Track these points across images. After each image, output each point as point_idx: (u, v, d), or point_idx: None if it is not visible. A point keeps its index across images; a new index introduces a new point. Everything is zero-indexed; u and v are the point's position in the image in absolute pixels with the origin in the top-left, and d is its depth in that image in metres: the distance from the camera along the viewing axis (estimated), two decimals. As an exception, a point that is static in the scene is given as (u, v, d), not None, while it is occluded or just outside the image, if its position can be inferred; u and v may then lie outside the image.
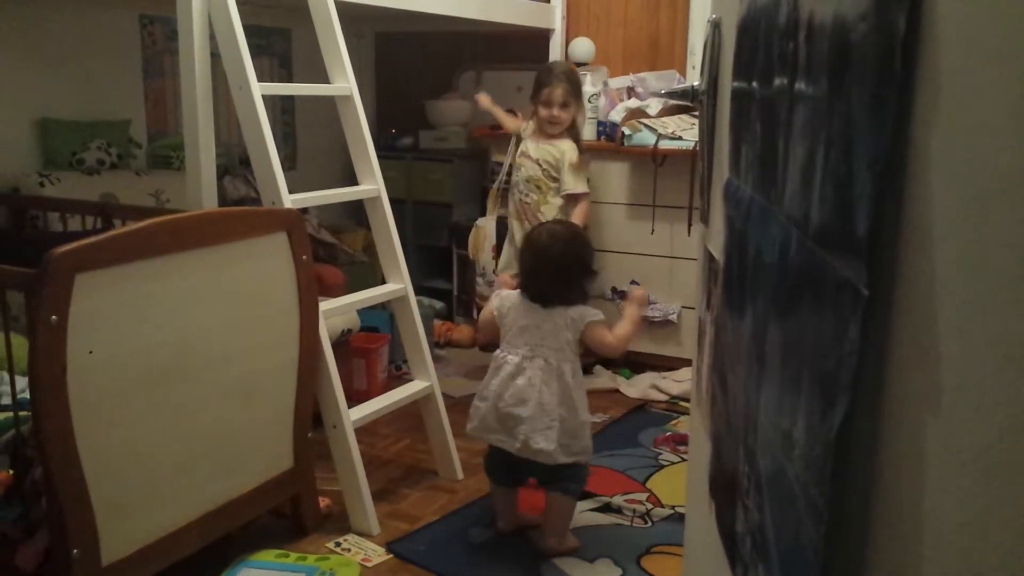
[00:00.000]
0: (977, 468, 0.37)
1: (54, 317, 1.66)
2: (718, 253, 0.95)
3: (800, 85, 0.62)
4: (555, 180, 3.34)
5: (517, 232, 3.41)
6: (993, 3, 0.38)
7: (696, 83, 1.10)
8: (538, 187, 3.37)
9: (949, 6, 0.42)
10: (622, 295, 3.62)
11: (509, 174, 4.05)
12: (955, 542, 0.39)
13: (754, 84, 0.80)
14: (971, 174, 0.39)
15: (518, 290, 2.34)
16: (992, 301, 0.37)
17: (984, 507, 0.37)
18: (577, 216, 3.27)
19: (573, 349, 2.26)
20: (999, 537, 0.36)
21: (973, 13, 0.40)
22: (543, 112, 3.31)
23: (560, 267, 2.26)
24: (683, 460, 2.89)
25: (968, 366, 0.38)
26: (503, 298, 2.35)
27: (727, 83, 0.97)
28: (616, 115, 3.73)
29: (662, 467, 2.86)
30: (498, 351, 2.32)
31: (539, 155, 3.33)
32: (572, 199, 3.34)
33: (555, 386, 2.22)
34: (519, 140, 3.48)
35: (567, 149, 3.33)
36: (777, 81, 0.69)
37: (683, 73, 3.99)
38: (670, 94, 1.26)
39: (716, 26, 1.04)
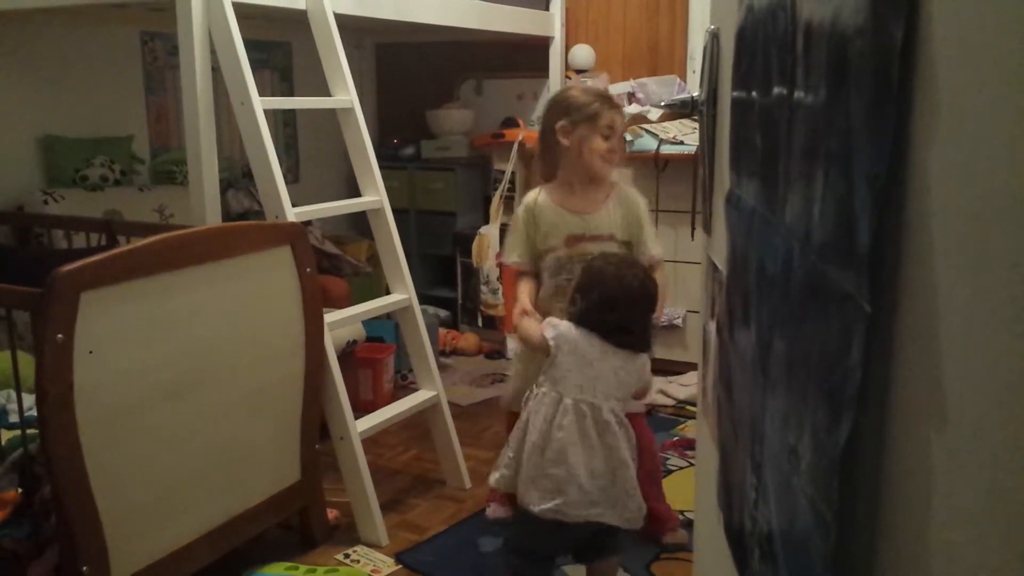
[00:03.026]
0: (982, 484, 0.37)
1: (60, 335, 1.67)
2: (721, 263, 0.96)
3: (798, 98, 0.62)
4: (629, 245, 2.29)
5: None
6: (989, 19, 0.39)
7: (695, 94, 1.10)
8: None
9: (946, 22, 0.42)
10: None
11: (512, 182, 4.06)
12: (962, 558, 0.39)
13: (753, 95, 0.80)
14: (970, 190, 0.39)
15: (571, 323, 1.95)
16: (994, 318, 0.37)
17: (989, 523, 0.37)
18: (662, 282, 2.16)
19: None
20: (1005, 553, 0.36)
21: (969, 29, 0.40)
22: (599, 146, 2.23)
23: (639, 304, 1.93)
24: (691, 465, 2.89)
25: (971, 383, 0.38)
26: (561, 333, 1.93)
27: (727, 93, 0.97)
28: (617, 121, 3.73)
29: (670, 472, 2.86)
30: (551, 390, 1.92)
31: (611, 227, 2.26)
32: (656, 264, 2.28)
33: (627, 438, 1.92)
34: (533, 219, 2.30)
35: (634, 193, 2.38)
36: (776, 93, 0.70)
37: (683, 78, 3.99)
38: (670, 105, 1.27)
39: (715, 36, 1.05)
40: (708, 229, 1.11)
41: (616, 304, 1.91)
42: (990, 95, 0.38)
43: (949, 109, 0.42)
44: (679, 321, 3.64)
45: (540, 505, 1.86)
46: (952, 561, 0.40)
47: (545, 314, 2.17)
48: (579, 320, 1.94)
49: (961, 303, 0.39)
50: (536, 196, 2.35)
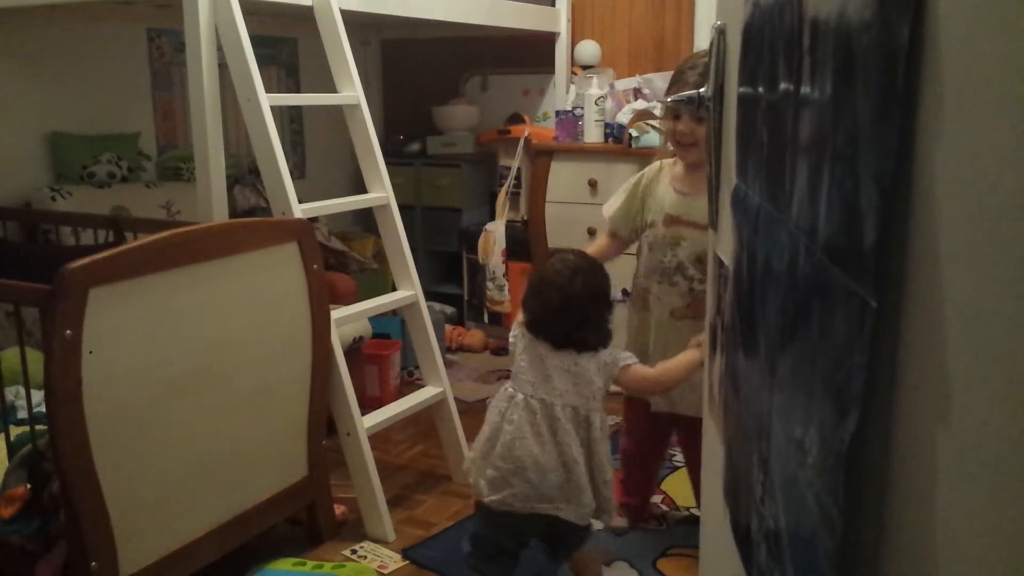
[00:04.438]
0: (986, 481, 0.37)
1: (68, 332, 1.67)
2: (728, 259, 0.96)
3: (805, 94, 0.62)
4: None
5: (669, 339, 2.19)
6: (995, 17, 0.39)
7: (702, 90, 1.10)
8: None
9: (952, 20, 0.42)
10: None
11: (518, 178, 4.05)
12: (967, 554, 0.39)
13: (760, 91, 0.80)
14: (976, 188, 0.39)
15: (523, 326, 2.01)
16: (999, 316, 0.37)
17: (995, 520, 0.37)
18: None
19: (602, 397, 1.96)
20: (1010, 549, 0.36)
21: (976, 27, 0.40)
22: (670, 126, 2.19)
23: (585, 305, 1.95)
24: (697, 461, 2.89)
25: (976, 380, 0.38)
26: (519, 332, 2.03)
27: (733, 90, 0.97)
28: (623, 117, 3.73)
29: (676, 468, 2.86)
30: (510, 385, 2.00)
31: (706, 216, 2.11)
32: None
33: (585, 437, 1.93)
34: (646, 187, 2.29)
35: None
36: (782, 89, 0.70)
37: (689, 73, 3.98)
38: (676, 101, 1.27)
39: (721, 32, 1.05)
40: (715, 225, 1.11)
41: (556, 314, 1.94)
42: (996, 91, 0.38)
43: (955, 106, 0.42)
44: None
45: (489, 496, 1.94)
46: (957, 555, 0.40)
47: (643, 291, 2.26)
48: (529, 328, 2.00)
49: (966, 300, 0.40)
50: (657, 167, 2.31)
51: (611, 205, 2.35)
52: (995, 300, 0.37)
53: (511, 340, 2.05)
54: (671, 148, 2.24)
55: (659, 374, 2.00)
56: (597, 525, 2.13)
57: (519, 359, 2.00)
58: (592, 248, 2.29)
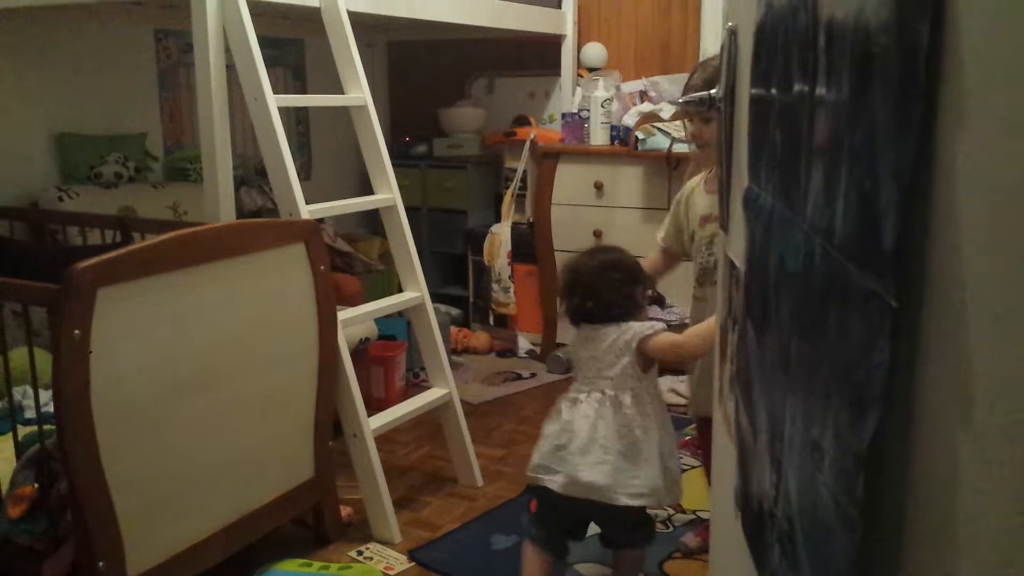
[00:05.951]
0: (1010, 482, 0.37)
1: (77, 331, 1.68)
2: (739, 261, 0.95)
3: (820, 95, 0.62)
4: None
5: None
6: (1016, 13, 0.39)
7: (713, 91, 1.10)
8: None
9: (972, 17, 0.42)
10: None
11: (524, 180, 4.06)
12: (990, 555, 0.39)
13: (773, 92, 0.80)
14: (997, 187, 0.39)
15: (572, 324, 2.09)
16: (1021, 313, 0.37)
17: (1020, 522, 0.37)
18: None
19: (636, 374, 1.96)
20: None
21: (995, 24, 0.40)
22: (689, 128, 2.30)
23: (598, 274, 2.00)
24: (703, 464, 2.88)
25: (999, 379, 0.38)
26: (570, 343, 2.13)
27: (745, 91, 0.97)
28: (629, 119, 3.73)
29: (682, 471, 2.85)
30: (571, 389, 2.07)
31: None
32: None
33: (611, 418, 1.93)
34: (686, 200, 2.32)
35: None
36: (796, 90, 0.69)
37: (696, 76, 3.98)
38: (687, 102, 1.27)
39: (733, 33, 1.05)
40: (725, 227, 1.11)
41: (573, 290, 2.02)
42: (1016, 92, 0.38)
43: (974, 107, 0.42)
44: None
45: (546, 481, 1.96)
46: (982, 558, 0.40)
47: (696, 300, 2.31)
48: (569, 317, 2.06)
49: (988, 299, 0.39)
50: (697, 177, 2.33)
51: (663, 225, 2.41)
52: (1017, 299, 0.37)
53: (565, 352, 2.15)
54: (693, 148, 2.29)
55: (685, 338, 1.97)
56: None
57: (574, 358, 2.08)
58: (645, 263, 2.27)
